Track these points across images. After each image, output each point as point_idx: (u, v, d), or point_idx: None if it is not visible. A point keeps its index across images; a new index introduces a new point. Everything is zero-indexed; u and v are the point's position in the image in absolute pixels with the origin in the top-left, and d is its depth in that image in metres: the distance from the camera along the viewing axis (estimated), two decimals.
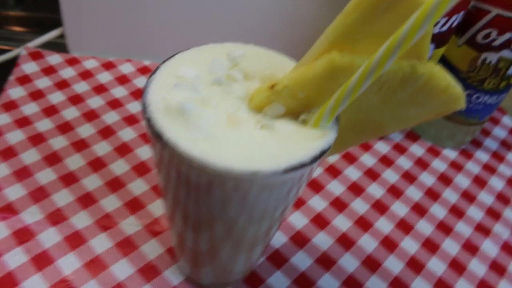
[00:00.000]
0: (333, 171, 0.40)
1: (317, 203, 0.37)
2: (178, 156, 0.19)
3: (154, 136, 0.19)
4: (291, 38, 0.42)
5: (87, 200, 0.34)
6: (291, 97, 0.21)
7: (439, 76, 0.20)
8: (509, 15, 0.33)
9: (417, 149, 0.43)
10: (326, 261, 0.34)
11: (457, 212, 0.39)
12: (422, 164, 0.42)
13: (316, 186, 0.38)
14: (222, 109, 0.21)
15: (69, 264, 0.31)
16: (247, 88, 0.22)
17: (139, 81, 0.44)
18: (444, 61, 0.38)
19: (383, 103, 0.22)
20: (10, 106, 0.39)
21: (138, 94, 0.43)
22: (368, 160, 0.41)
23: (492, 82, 0.37)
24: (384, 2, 0.18)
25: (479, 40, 0.35)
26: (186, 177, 0.20)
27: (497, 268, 0.35)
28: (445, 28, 0.34)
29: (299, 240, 0.35)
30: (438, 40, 0.35)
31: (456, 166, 0.42)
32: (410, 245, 0.36)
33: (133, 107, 0.42)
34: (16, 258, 0.30)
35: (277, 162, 0.19)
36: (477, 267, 0.35)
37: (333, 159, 0.41)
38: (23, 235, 0.32)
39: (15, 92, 0.41)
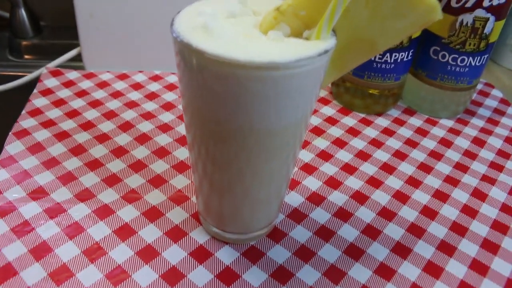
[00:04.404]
0: (340, 143, 0.42)
1: (328, 168, 0.39)
2: (205, 58, 0.22)
3: (184, 47, 0.22)
4: None
5: (112, 180, 0.36)
6: (294, 16, 0.24)
7: None
8: None
9: (415, 121, 0.46)
10: (343, 215, 0.35)
11: (461, 167, 0.41)
12: (421, 132, 0.45)
13: (325, 155, 0.41)
14: (238, 30, 0.24)
15: (99, 231, 0.32)
16: (257, 20, 0.26)
17: (152, 86, 0.48)
18: (426, 32, 0.43)
19: (371, 18, 0.25)
20: (35, 112, 0.43)
21: (152, 96, 0.47)
22: (371, 132, 0.44)
23: (473, 43, 0.41)
24: None
25: (453, 4, 0.40)
26: (211, 80, 0.23)
27: (506, 210, 0.37)
28: None
29: (315, 199, 0.36)
30: None
31: (454, 131, 0.45)
32: (421, 197, 0.37)
33: (149, 106, 0.45)
34: (49, 231, 0.32)
35: (289, 56, 0.22)
36: (488, 210, 0.36)
37: (338, 133, 0.43)
38: (54, 212, 0.33)
39: (38, 101, 0.44)
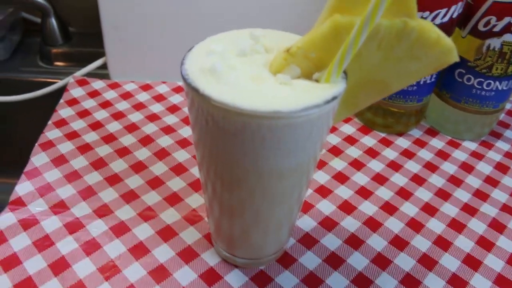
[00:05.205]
0: (357, 164, 0.42)
1: (344, 191, 0.39)
2: (212, 105, 0.22)
3: (192, 90, 0.23)
4: (304, 27, 0.46)
5: (130, 196, 0.38)
6: (305, 57, 0.24)
7: (429, 29, 0.23)
8: (505, 0, 0.36)
9: (437, 143, 0.45)
10: (354, 242, 0.35)
11: (481, 195, 0.40)
12: (443, 155, 0.44)
13: (341, 177, 0.40)
14: (246, 71, 0.24)
15: (114, 249, 0.34)
16: (267, 58, 0.26)
17: (174, 98, 0.49)
18: None
19: (384, 60, 0.25)
20: (61, 123, 0.44)
21: (174, 109, 0.47)
22: (390, 154, 0.43)
23: (500, 68, 0.40)
24: None
25: (481, 28, 0.38)
26: (219, 124, 0.23)
27: None
28: (446, 19, 0.37)
29: (327, 224, 0.36)
30: (441, 31, 0.38)
31: (477, 155, 0.44)
32: (436, 226, 0.37)
33: (170, 119, 0.46)
34: (68, 246, 0.34)
35: (294, 104, 0.22)
36: (505, 243, 0.36)
37: (356, 153, 0.43)
38: (73, 227, 0.35)
39: (64, 112, 0.46)
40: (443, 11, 0.37)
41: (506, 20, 0.37)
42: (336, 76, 0.24)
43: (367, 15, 0.21)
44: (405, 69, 0.25)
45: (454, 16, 0.37)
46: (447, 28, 0.38)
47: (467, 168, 0.43)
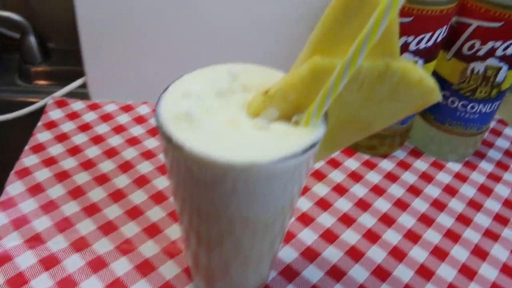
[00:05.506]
0: (340, 190, 0.41)
1: (326, 219, 0.39)
2: (186, 155, 0.21)
3: (165, 139, 0.22)
4: (286, 59, 0.45)
5: (108, 228, 0.37)
6: (283, 100, 0.23)
7: (412, 70, 0.23)
8: (489, 25, 0.36)
9: (421, 165, 0.45)
10: (336, 273, 0.35)
11: (464, 220, 0.40)
12: (426, 178, 0.43)
13: (324, 204, 0.40)
14: (223, 115, 0.24)
15: (92, 286, 0.33)
16: (245, 98, 0.25)
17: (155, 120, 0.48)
18: (436, 76, 0.41)
19: (366, 101, 0.24)
20: (38, 148, 0.43)
21: (155, 131, 0.46)
22: (373, 177, 0.43)
23: (484, 91, 0.39)
24: (351, 8, 0.21)
25: (465, 52, 0.38)
26: (194, 173, 0.23)
27: (508, 271, 0.36)
28: (430, 43, 0.37)
29: (310, 254, 0.36)
30: (426, 55, 0.38)
31: (460, 177, 0.44)
32: (419, 254, 0.36)
33: (150, 143, 0.45)
34: (43, 283, 0.33)
35: (272, 154, 0.21)
36: (488, 272, 0.35)
37: (339, 178, 0.43)
38: (49, 262, 0.34)
39: (42, 136, 0.44)
40: (428, 35, 0.36)
41: (490, 44, 0.37)
42: (316, 120, 0.23)
43: (347, 60, 0.20)
44: (387, 109, 0.25)
45: (439, 40, 0.37)
46: (431, 51, 0.38)
47: (450, 191, 0.42)
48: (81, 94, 0.51)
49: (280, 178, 0.23)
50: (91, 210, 0.38)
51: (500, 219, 0.40)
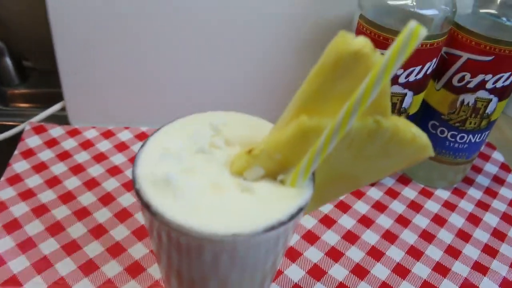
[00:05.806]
0: (327, 221, 0.41)
1: (313, 254, 0.38)
2: (166, 224, 0.20)
3: (143, 206, 0.21)
4: (271, 103, 0.44)
5: (89, 267, 0.35)
6: (269, 159, 0.22)
7: (404, 128, 0.22)
8: (479, 58, 0.35)
9: (410, 192, 0.44)
10: None
11: (453, 252, 0.39)
12: (415, 206, 0.43)
13: (311, 237, 0.39)
14: (205, 176, 0.22)
15: None
16: (228, 154, 0.24)
17: (137, 147, 0.46)
18: (426, 105, 0.40)
19: (355, 158, 0.23)
20: (15, 179, 0.41)
21: None
22: (361, 207, 0.42)
23: (473, 122, 0.39)
24: (342, 68, 0.20)
25: (455, 83, 0.37)
26: (175, 242, 0.22)
27: None
28: (420, 75, 0.36)
29: None
30: (415, 87, 0.37)
31: (449, 206, 0.43)
32: None
33: (131, 172, 0.43)
34: None
35: (256, 223, 0.20)
36: None
37: (327, 208, 0.42)
38: None
39: (19, 166, 0.43)
40: (417, 68, 0.35)
41: (480, 77, 0.36)
42: (303, 180, 0.22)
43: (337, 123, 0.19)
44: (377, 165, 0.24)
45: (429, 72, 0.36)
46: (420, 84, 0.37)
47: (439, 221, 0.42)
48: (61, 117, 0.49)
49: (265, 245, 0.22)
50: (71, 248, 0.36)
51: (488, 250, 0.40)
